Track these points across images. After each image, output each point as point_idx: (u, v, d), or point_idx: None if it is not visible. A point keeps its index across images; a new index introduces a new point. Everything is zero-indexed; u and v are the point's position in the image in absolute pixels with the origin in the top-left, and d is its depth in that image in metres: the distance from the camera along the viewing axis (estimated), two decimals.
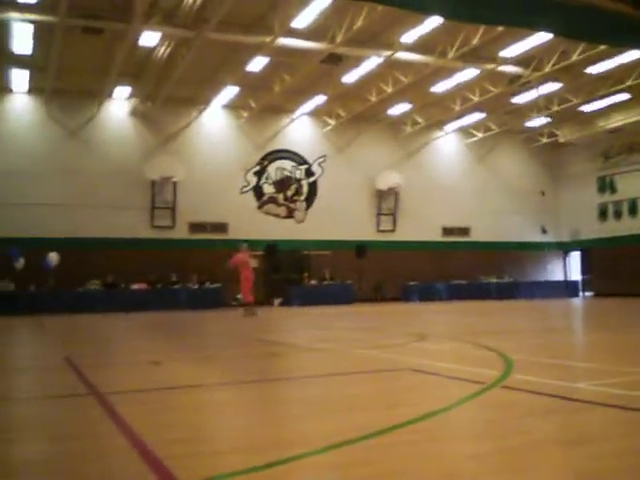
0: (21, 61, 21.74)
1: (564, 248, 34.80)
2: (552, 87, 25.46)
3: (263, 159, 28.29)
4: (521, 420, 3.87)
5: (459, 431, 3.74)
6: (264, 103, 26.15)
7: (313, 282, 27.19)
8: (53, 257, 22.32)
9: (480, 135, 31.88)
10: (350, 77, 23.50)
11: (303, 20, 18.67)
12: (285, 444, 3.41)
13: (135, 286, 24.26)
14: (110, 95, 25.20)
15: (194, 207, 26.56)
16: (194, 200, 26.49)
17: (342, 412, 4.21)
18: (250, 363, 7.32)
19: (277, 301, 26.09)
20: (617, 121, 29.34)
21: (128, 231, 25.45)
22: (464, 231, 32.19)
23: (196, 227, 26.79)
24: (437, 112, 28.68)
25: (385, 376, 5.88)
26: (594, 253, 33.08)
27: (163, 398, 4.93)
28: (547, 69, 22.73)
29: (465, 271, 30.67)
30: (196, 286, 25.21)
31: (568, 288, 33.04)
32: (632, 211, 31.30)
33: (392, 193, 30.21)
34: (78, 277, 23.62)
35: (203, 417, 4.24)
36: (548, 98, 27.19)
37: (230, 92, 25.30)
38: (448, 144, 32.39)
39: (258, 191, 28.09)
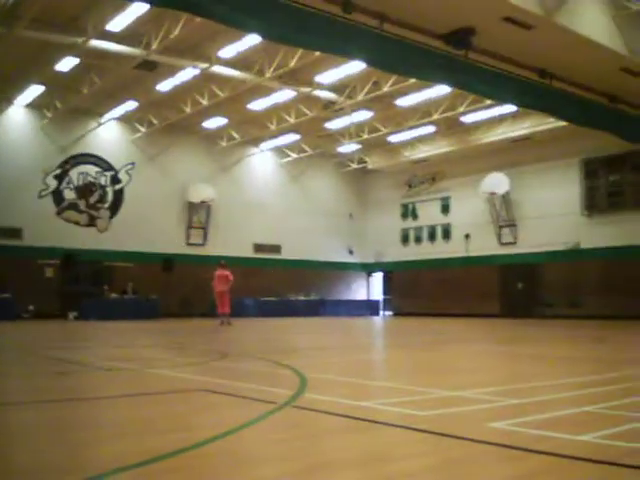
0: None
1: (368, 269, 36.44)
2: (364, 115, 26.63)
3: (65, 162, 26.61)
4: (309, 441, 3.77)
5: (245, 454, 3.55)
6: (71, 104, 24.75)
7: (114, 295, 25.86)
8: None
9: (294, 156, 32.56)
10: (165, 85, 22.91)
11: (118, 24, 18.03)
12: (74, 468, 3.14)
13: None
14: None
15: None
16: None
17: (127, 436, 3.92)
18: (34, 382, 6.68)
19: (72, 314, 24.43)
20: (422, 152, 31.38)
21: None
22: (275, 248, 32.57)
23: None
24: (253, 129, 28.86)
25: (178, 397, 5.57)
26: (395, 275, 34.98)
27: None
28: (360, 97, 23.68)
29: (275, 288, 31.00)
30: None
31: (370, 307, 34.65)
32: (431, 237, 33.54)
33: (204, 206, 29.84)
34: None
35: None
36: (359, 126, 28.40)
37: (34, 91, 23.65)
38: (263, 162, 32.71)
39: (58, 196, 26.33)
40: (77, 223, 26.72)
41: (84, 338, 15.04)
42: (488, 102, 23.58)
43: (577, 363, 8.90)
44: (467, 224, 31.70)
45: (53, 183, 26.28)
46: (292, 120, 26.67)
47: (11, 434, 4.04)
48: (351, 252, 35.63)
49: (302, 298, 31.90)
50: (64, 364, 8.34)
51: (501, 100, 21.28)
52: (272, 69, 21.20)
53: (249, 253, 31.57)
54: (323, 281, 33.87)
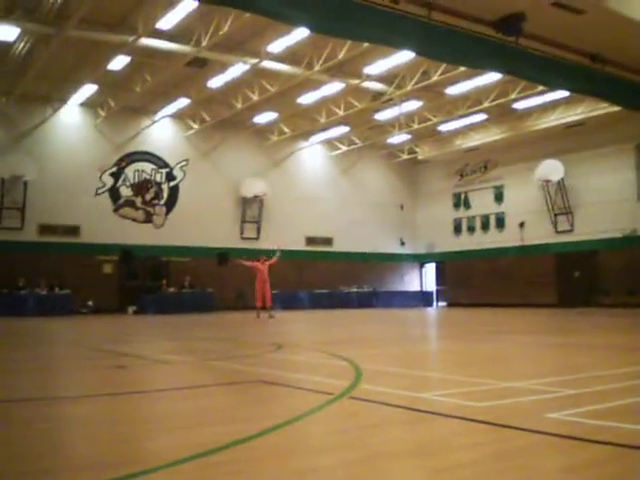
0: None
1: (420, 260, 36.21)
2: (413, 105, 26.41)
3: (121, 160, 27.22)
4: (365, 431, 3.81)
5: (302, 444, 3.61)
6: (124, 103, 25.27)
7: (172, 289, 26.42)
8: None
9: (344, 148, 32.54)
10: (215, 82, 23.17)
11: (168, 22, 18.29)
12: (131, 461, 3.18)
13: None
14: None
15: (45, 208, 25.11)
16: (46, 201, 25.05)
17: (186, 428, 3.99)
18: (94, 376, 6.87)
19: (132, 309, 25.05)
20: (473, 140, 30.96)
21: None
22: (327, 241, 32.67)
23: (47, 229, 25.31)
24: (303, 123, 28.95)
25: (235, 389, 5.68)
26: (448, 265, 34.67)
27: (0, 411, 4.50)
28: (409, 87, 23.49)
29: (327, 280, 31.12)
30: (44, 292, 23.79)
31: (423, 298, 34.43)
32: (484, 226, 33.10)
33: (257, 201, 30.12)
34: None
35: (45, 432, 3.87)
36: (409, 116, 28.18)
37: (88, 90, 24.20)
38: (313, 155, 32.79)
39: (115, 193, 26.97)
40: (134, 220, 27.33)
41: (142, 332, 15.40)
42: (540, 88, 23.09)
43: (632, 352, 8.72)
44: (521, 212, 31.16)
45: (109, 181, 26.92)
46: (341, 112, 26.66)
47: (70, 428, 4.15)
48: (403, 243, 35.45)
49: (355, 290, 31.94)
50: (123, 357, 8.55)
51: (553, 86, 20.83)
52: (320, 62, 21.23)
53: (301, 246, 31.75)
54: (375, 273, 33.82)
